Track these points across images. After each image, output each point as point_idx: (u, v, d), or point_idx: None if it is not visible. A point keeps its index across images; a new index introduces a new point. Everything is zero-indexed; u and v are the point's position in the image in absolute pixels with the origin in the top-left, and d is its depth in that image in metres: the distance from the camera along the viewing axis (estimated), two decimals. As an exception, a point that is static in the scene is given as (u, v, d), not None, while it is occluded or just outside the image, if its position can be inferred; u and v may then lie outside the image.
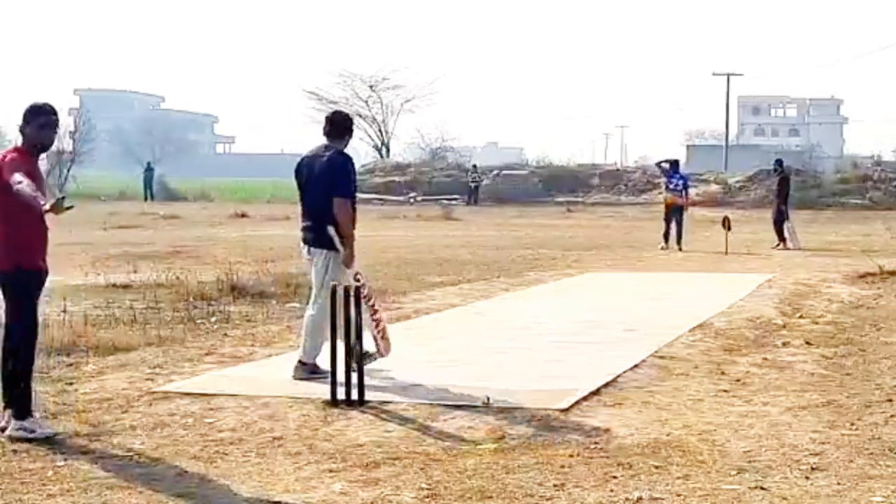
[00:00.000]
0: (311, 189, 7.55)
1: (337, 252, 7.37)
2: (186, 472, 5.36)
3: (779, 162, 24.77)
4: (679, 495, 5.01)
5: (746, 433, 6.18)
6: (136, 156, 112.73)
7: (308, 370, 7.48)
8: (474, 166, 51.13)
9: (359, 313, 6.87)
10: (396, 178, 51.59)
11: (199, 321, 10.58)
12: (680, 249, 21.98)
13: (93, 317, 10.58)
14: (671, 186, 23.47)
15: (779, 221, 23.04)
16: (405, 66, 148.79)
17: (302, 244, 7.70)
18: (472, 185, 47.87)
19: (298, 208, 7.79)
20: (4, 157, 6.06)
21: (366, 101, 62.10)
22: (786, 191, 23.54)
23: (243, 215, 34.25)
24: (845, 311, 11.79)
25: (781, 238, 22.60)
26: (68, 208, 5.60)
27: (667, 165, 24.37)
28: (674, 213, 22.78)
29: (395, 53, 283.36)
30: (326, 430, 6.20)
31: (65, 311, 10.49)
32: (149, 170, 51.76)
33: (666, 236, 22.64)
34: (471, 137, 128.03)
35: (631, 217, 36.87)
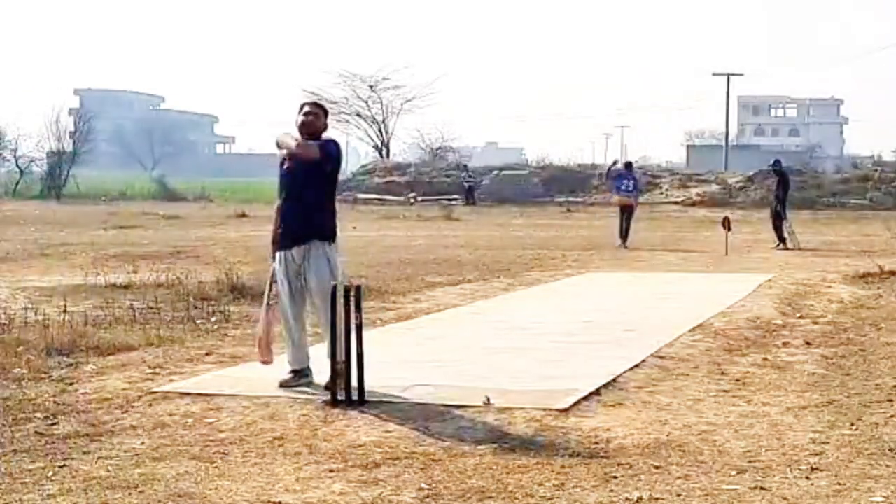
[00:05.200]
0: None
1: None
2: (186, 472, 5.36)
3: (777, 162, 24.83)
4: (679, 495, 5.00)
5: (746, 433, 6.18)
6: (136, 156, 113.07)
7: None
8: (465, 166, 51.29)
9: (358, 314, 6.86)
10: (396, 178, 51.62)
11: (199, 321, 10.58)
12: (626, 247, 22.71)
13: (93, 317, 10.58)
14: (622, 188, 24.52)
15: (777, 221, 23.05)
16: (405, 66, 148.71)
17: None
18: (466, 185, 48.02)
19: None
20: None
21: (366, 101, 62.14)
22: (784, 190, 23.57)
23: (243, 215, 34.25)
24: (845, 311, 11.78)
25: (781, 238, 22.61)
26: None
27: (619, 167, 25.83)
28: (624, 212, 23.70)
29: (395, 53, 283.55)
30: (326, 430, 6.20)
31: (65, 311, 10.51)
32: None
33: (622, 235, 23.38)
34: (471, 137, 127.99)
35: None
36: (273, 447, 5.84)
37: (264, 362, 7.51)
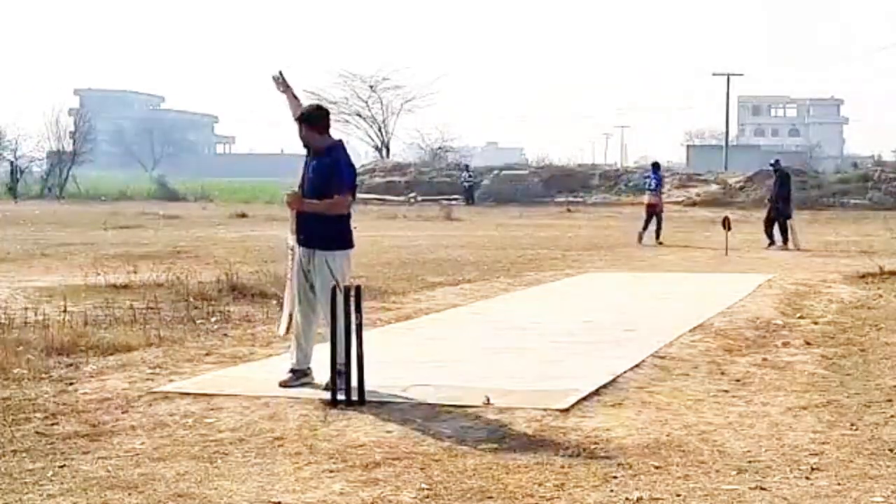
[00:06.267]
0: None
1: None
2: (186, 472, 5.36)
3: (777, 161, 24.95)
4: (679, 495, 5.00)
5: (746, 433, 6.18)
6: (136, 156, 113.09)
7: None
8: (466, 166, 51.37)
9: (358, 315, 6.86)
10: (396, 178, 51.61)
11: (199, 321, 10.58)
12: (640, 242, 23.57)
13: (93, 317, 10.58)
14: (646, 188, 25.79)
15: (775, 221, 23.04)
16: (405, 66, 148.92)
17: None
18: (466, 184, 48.09)
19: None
20: None
21: (366, 101, 62.08)
22: (787, 189, 23.61)
23: (243, 215, 34.26)
24: (845, 311, 11.78)
25: (784, 238, 22.60)
26: None
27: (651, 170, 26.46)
28: (649, 211, 24.56)
29: (395, 53, 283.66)
30: (326, 430, 6.20)
31: (65, 311, 10.50)
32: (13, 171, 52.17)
33: (656, 234, 24.17)
34: (471, 137, 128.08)
35: (631, 217, 36.80)
36: (273, 447, 5.84)
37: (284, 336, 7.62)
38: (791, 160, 54.91)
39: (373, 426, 6.26)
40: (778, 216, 23.02)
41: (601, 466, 5.45)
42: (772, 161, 25.64)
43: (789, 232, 22.69)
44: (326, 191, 7.24)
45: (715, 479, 5.26)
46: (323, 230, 7.27)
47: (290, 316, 7.46)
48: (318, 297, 7.26)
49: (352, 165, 7.46)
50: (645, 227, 24.19)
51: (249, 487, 5.12)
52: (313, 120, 7.44)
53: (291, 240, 7.44)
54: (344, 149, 7.52)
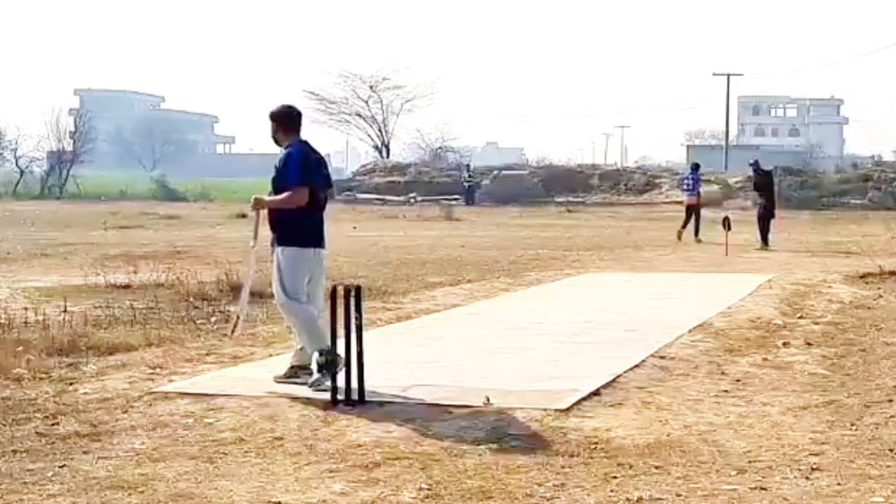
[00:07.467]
0: None
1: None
2: (186, 472, 5.36)
3: (756, 162, 25.17)
4: (679, 495, 5.00)
5: (746, 433, 6.18)
6: (136, 156, 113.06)
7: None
8: (466, 166, 51.47)
9: (358, 314, 6.86)
10: (396, 178, 51.65)
11: (199, 321, 10.58)
12: (680, 239, 24.38)
13: (93, 317, 10.58)
14: (684, 189, 26.70)
15: (767, 220, 23.13)
16: (405, 66, 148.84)
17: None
18: (466, 185, 48.14)
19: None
20: None
21: (366, 101, 62.14)
22: (771, 190, 23.98)
23: (243, 215, 34.23)
24: (845, 311, 11.78)
25: (765, 239, 22.75)
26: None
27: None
28: (689, 211, 25.55)
29: (395, 53, 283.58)
30: (326, 430, 6.20)
31: (65, 311, 10.50)
32: None
33: (695, 231, 24.92)
34: (471, 137, 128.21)
35: (631, 217, 36.88)
36: (273, 447, 5.84)
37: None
38: (791, 160, 54.96)
39: (373, 426, 6.26)
40: (767, 215, 23.16)
41: (601, 466, 5.45)
42: (751, 161, 25.90)
43: (760, 228, 22.93)
44: (283, 185, 7.31)
45: (715, 479, 5.26)
46: (279, 225, 7.33)
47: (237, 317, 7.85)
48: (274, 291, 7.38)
49: (304, 162, 7.33)
50: (684, 226, 24.96)
51: (249, 487, 5.12)
52: (279, 119, 7.54)
53: (252, 242, 7.59)
54: (303, 146, 7.47)
